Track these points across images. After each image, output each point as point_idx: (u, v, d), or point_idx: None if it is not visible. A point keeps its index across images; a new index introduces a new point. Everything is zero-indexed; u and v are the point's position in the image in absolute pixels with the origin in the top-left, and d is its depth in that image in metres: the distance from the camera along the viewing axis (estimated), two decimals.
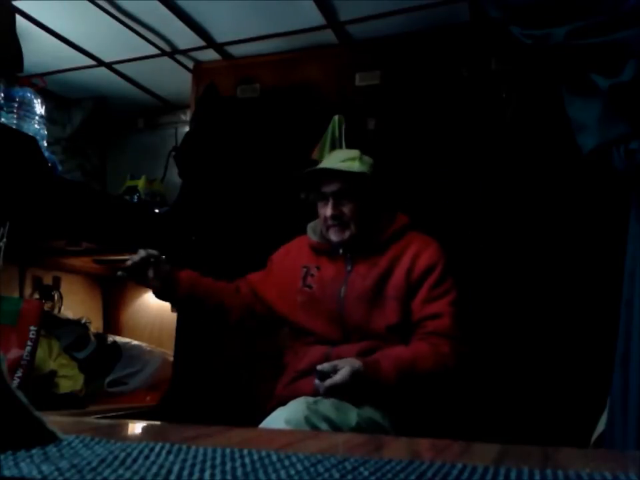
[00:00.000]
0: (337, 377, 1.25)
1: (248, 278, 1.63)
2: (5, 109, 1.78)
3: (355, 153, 1.52)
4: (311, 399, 1.23)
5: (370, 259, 1.46)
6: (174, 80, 2.69)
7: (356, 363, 1.28)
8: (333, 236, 1.47)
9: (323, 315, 1.44)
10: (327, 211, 1.46)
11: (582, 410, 1.44)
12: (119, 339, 2.42)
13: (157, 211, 2.50)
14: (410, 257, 1.45)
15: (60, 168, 2.05)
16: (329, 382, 1.25)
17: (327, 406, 1.21)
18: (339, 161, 1.49)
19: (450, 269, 1.46)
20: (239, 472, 0.43)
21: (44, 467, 0.41)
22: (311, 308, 1.46)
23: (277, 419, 1.16)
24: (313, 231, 1.58)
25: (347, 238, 1.46)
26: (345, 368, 1.26)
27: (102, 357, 2.21)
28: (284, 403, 1.26)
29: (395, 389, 1.29)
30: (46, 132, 1.94)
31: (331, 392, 1.25)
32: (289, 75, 2.40)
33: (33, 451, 0.46)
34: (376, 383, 1.27)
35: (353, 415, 1.24)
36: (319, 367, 1.27)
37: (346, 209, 1.46)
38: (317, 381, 1.27)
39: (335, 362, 1.28)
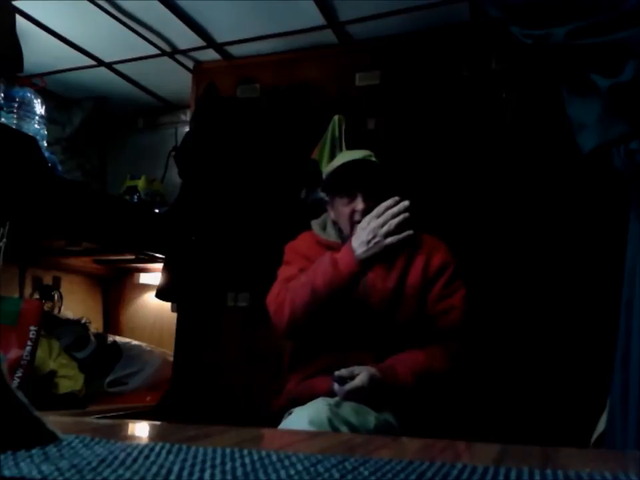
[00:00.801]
0: (356, 382, 1.25)
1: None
2: (5, 108, 1.78)
3: (368, 151, 1.51)
4: (331, 400, 1.23)
5: (384, 260, 1.44)
6: (174, 80, 2.69)
7: (371, 368, 1.28)
8: None
9: (343, 316, 1.42)
10: (358, 205, 1.42)
11: (582, 410, 1.44)
12: (119, 338, 2.43)
13: (157, 211, 2.50)
14: (424, 255, 1.46)
15: (60, 168, 2.05)
16: (348, 386, 1.25)
17: (347, 409, 1.21)
18: (359, 157, 1.47)
19: (460, 269, 1.48)
20: (239, 472, 0.43)
21: (44, 467, 0.41)
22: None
23: (300, 420, 1.15)
24: (321, 229, 1.55)
25: None
26: (363, 373, 1.26)
27: (102, 357, 2.21)
28: (296, 400, 1.26)
29: (412, 391, 1.30)
30: (46, 132, 1.94)
31: (350, 396, 1.25)
32: (288, 75, 2.40)
33: (33, 451, 0.46)
34: (393, 387, 1.28)
35: (371, 418, 1.24)
36: (337, 373, 1.27)
37: (373, 205, 1.41)
38: (336, 386, 1.27)
39: (352, 368, 1.28)
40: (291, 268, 1.49)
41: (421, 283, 1.43)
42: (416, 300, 1.42)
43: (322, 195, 1.61)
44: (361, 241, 1.28)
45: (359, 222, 1.42)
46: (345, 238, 1.49)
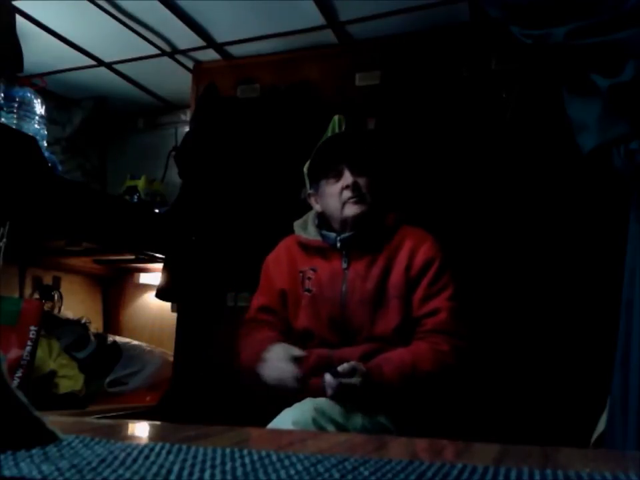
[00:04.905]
0: (354, 380, 1.23)
1: (270, 308, 1.54)
2: (5, 108, 1.78)
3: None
4: (317, 401, 1.22)
5: (365, 256, 1.44)
6: (174, 80, 2.68)
7: (363, 367, 1.27)
8: (350, 210, 1.44)
9: (325, 319, 1.42)
10: (346, 180, 1.44)
11: (582, 410, 1.43)
12: (119, 338, 2.42)
13: (157, 211, 2.50)
14: (407, 253, 1.43)
15: (60, 168, 2.05)
16: (345, 380, 1.23)
17: (333, 408, 1.21)
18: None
19: (448, 263, 1.46)
20: (239, 472, 0.43)
21: (44, 467, 0.41)
22: (313, 312, 1.44)
23: (284, 421, 1.15)
24: (302, 229, 1.55)
25: (363, 212, 1.43)
26: (358, 374, 1.24)
27: (102, 357, 2.21)
28: (287, 403, 1.26)
29: (398, 392, 1.29)
30: (46, 132, 1.94)
31: (342, 390, 1.23)
32: (288, 75, 2.40)
33: (33, 451, 0.46)
34: (379, 388, 1.27)
35: (358, 417, 1.24)
36: (340, 368, 1.25)
37: (361, 181, 1.45)
38: (328, 377, 1.24)
39: (351, 363, 1.26)
40: (257, 294, 1.57)
41: (404, 284, 1.40)
42: (399, 301, 1.39)
43: (309, 191, 1.60)
44: (274, 366, 1.31)
45: (349, 198, 1.43)
46: (324, 235, 1.50)
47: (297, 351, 1.30)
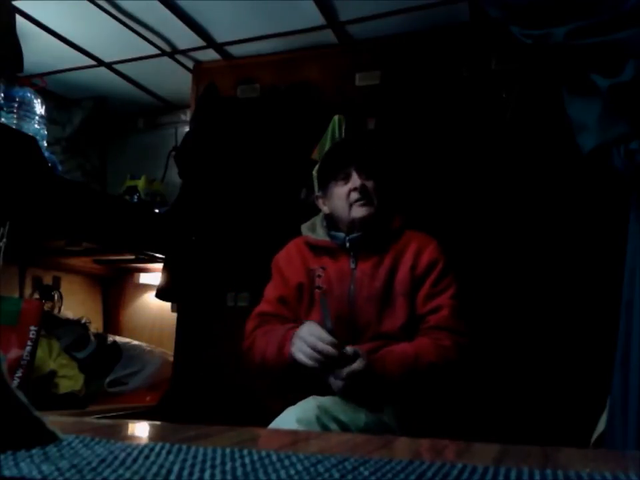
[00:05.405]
0: (354, 366, 1.24)
1: (281, 299, 1.54)
2: (5, 108, 1.78)
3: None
4: (320, 399, 1.23)
5: (372, 257, 1.47)
6: (174, 80, 2.69)
7: (365, 354, 1.28)
8: (357, 212, 1.46)
9: (333, 316, 1.43)
10: (354, 182, 1.47)
11: (582, 410, 1.44)
12: (119, 338, 2.43)
13: (157, 211, 2.50)
14: (412, 253, 1.47)
15: (60, 168, 2.05)
16: (347, 370, 1.23)
17: (336, 406, 1.22)
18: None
19: (450, 265, 1.48)
20: (239, 472, 0.43)
21: (44, 467, 0.41)
22: (322, 309, 1.46)
23: (288, 419, 1.16)
24: (311, 231, 1.58)
25: (370, 214, 1.46)
26: (360, 359, 1.25)
27: (102, 357, 2.21)
28: (292, 401, 1.26)
29: (400, 384, 1.31)
30: (46, 132, 1.94)
31: (349, 379, 1.24)
32: (289, 75, 2.40)
33: (33, 451, 0.46)
34: (381, 379, 1.28)
35: (361, 415, 1.24)
36: (345, 349, 1.25)
37: (369, 184, 1.48)
38: (331, 379, 1.25)
39: (356, 349, 1.27)
40: (271, 287, 1.56)
41: (409, 282, 1.44)
42: (405, 299, 1.43)
43: (317, 193, 1.63)
44: (303, 343, 1.27)
45: (356, 200, 1.46)
46: (332, 236, 1.53)
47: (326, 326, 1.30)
